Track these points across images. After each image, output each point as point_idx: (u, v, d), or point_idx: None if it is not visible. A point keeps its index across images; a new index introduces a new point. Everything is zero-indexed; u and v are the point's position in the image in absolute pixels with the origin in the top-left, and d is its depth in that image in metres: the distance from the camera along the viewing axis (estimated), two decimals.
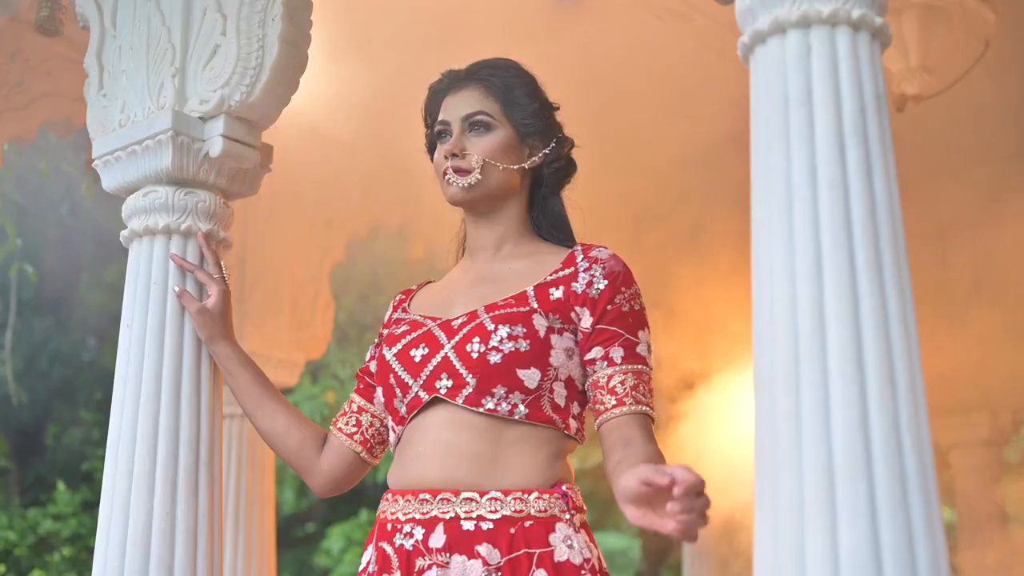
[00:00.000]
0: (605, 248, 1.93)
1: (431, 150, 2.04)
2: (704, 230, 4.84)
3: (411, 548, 1.81)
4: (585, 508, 1.89)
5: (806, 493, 1.35)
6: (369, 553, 1.90)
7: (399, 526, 1.84)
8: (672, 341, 5.07)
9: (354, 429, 2.06)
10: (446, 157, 1.95)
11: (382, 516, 1.89)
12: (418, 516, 1.82)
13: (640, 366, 1.86)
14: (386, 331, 2.03)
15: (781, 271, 1.44)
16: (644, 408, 1.83)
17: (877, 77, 1.51)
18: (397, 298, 2.12)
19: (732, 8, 1.62)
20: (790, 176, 1.46)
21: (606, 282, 1.87)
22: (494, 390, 1.81)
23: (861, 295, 1.40)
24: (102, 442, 9.92)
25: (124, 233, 2.30)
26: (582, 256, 1.91)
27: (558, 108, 2.04)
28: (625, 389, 1.83)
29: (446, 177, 1.95)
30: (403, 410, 1.91)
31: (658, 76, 4.01)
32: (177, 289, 2.19)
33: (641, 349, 1.87)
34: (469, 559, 1.77)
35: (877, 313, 1.40)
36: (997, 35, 3.66)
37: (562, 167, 2.03)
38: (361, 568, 1.91)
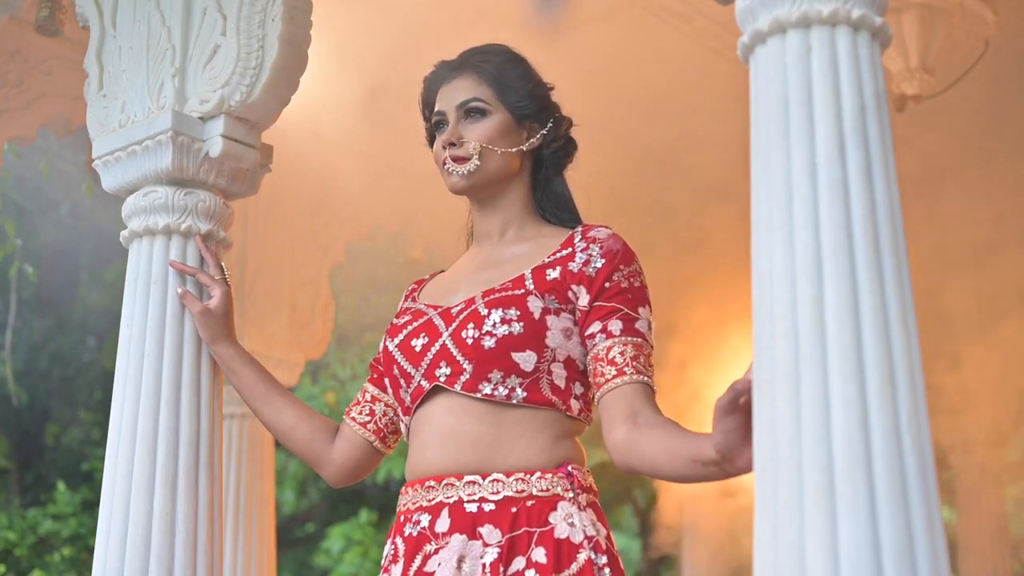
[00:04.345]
0: (606, 228, 1.93)
1: (431, 142, 2.04)
2: (704, 230, 4.84)
3: (417, 535, 1.82)
4: (595, 488, 1.88)
5: (806, 493, 1.35)
6: (387, 548, 1.91)
7: (410, 516, 1.86)
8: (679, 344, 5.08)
9: (367, 418, 2.07)
10: (444, 147, 1.96)
11: (398, 510, 1.91)
12: (425, 503, 1.84)
13: (639, 339, 1.84)
14: (395, 321, 2.03)
15: (781, 271, 1.43)
16: (645, 378, 1.82)
17: (877, 77, 1.51)
18: (409, 288, 2.13)
19: (732, 8, 1.62)
20: (790, 176, 1.46)
21: (603, 260, 1.87)
22: (490, 375, 1.81)
23: (861, 295, 1.40)
24: (102, 442, 9.92)
25: (124, 233, 2.30)
26: (580, 236, 1.91)
27: (552, 88, 2.05)
28: (625, 359, 1.82)
29: (446, 167, 1.96)
30: (408, 400, 1.92)
31: (657, 76, 4.01)
32: (180, 290, 2.19)
33: (640, 325, 1.85)
34: (470, 539, 1.77)
35: (877, 313, 1.40)
36: (997, 35, 3.66)
37: (561, 147, 2.03)
38: (382, 567, 1.92)
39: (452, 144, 1.95)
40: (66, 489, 10.07)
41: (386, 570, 1.87)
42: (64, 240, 9.23)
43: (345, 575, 10.07)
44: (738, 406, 1.51)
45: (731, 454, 1.55)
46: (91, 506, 9.73)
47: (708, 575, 5.86)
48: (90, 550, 9.21)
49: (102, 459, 8.39)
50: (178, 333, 2.19)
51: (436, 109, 2.01)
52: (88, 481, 10.16)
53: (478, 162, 1.93)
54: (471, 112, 1.96)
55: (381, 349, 2.03)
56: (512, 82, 1.97)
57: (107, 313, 9.56)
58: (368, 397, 2.08)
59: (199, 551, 2.11)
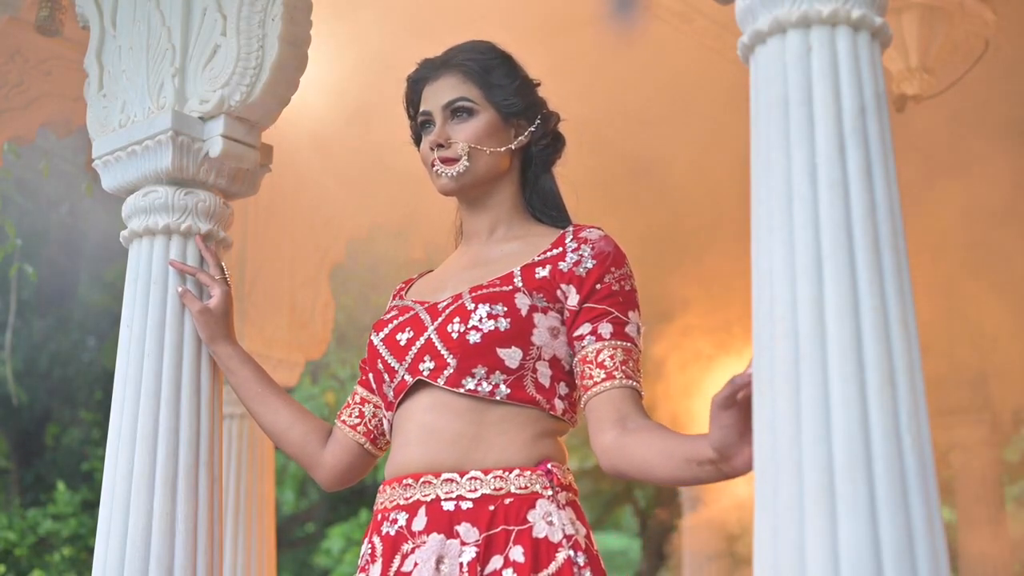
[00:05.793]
0: (597, 229, 1.92)
1: (417, 142, 2.03)
2: (703, 229, 4.84)
3: (395, 534, 1.81)
4: (575, 487, 1.86)
5: (806, 493, 1.35)
6: (364, 547, 1.90)
7: (387, 515, 1.84)
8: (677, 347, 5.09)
9: (357, 420, 2.06)
10: (432, 148, 1.94)
11: (376, 508, 1.90)
12: (402, 502, 1.82)
13: (629, 344, 1.83)
14: (383, 317, 2.03)
15: (781, 271, 1.43)
16: (634, 383, 1.80)
17: (877, 77, 1.51)
18: (397, 287, 2.12)
19: (732, 8, 1.62)
20: (790, 176, 1.46)
21: (594, 262, 1.85)
22: (474, 370, 1.80)
23: (861, 295, 1.40)
24: (102, 442, 9.93)
25: (124, 233, 2.30)
26: (571, 236, 1.90)
27: (539, 84, 2.03)
28: (614, 363, 1.80)
29: (434, 168, 1.94)
30: (391, 395, 1.91)
31: (657, 76, 4.01)
32: (180, 290, 2.19)
33: (630, 329, 1.84)
34: (448, 539, 1.76)
35: (877, 313, 1.40)
36: (997, 35, 3.66)
37: (550, 143, 2.01)
38: (359, 567, 1.91)
39: (440, 145, 1.93)
40: (66, 489, 10.08)
41: (363, 570, 1.85)
42: (64, 240, 9.23)
43: (345, 575, 10.08)
44: (735, 401, 1.51)
45: (729, 452, 1.54)
46: (91, 506, 9.74)
47: (708, 574, 5.86)
48: (90, 550, 9.22)
49: (102, 459, 8.40)
50: (178, 333, 2.19)
51: (422, 109, 1.99)
52: (88, 481, 10.17)
53: (467, 163, 1.92)
54: (458, 112, 1.94)
55: (368, 345, 2.02)
56: (499, 80, 1.95)
57: (107, 313, 9.57)
58: (357, 399, 2.07)
59: (199, 551, 2.11)
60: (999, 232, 4.72)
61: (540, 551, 1.73)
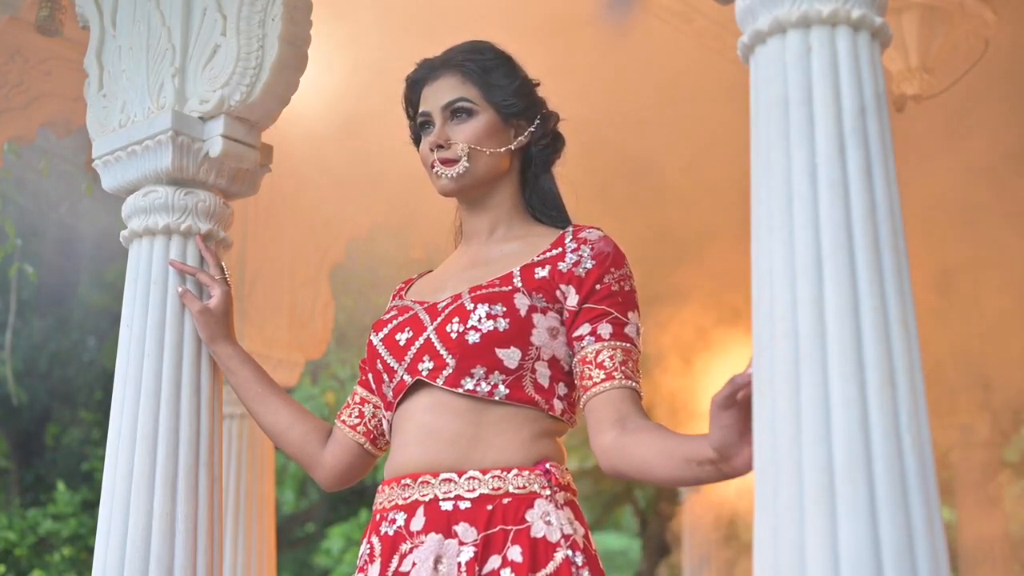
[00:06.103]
0: (597, 229, 1.92)
1: (416, 142, 2.03)
2: (706, 230, 4.84)
3: (393, 534, 1.81)
4: (573, 487, 1.86)
5: (806, 493, 1.35)
6: (363, 547, 1.90)
7: (386, 515, 1.84)
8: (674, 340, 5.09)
9: (357, 420, 2.05)
10: (432, 149, 1.94)
11: (374, 508, 1.90)
12: (400, 502, 1.82)
13: (628, 344, 1.83)
14: (382, 317, 2.03)
15: (781, 271, 1.44)
16: (633, 384, 1.81)
17: (877, 77, 1.51)
18: (397, 287, 2.12)
19: (732, 8, 1.62)
20: (790, 176, 1.46)
21: (594, 262, 1.85)
22: (473, 370, 1.80)
23: (861, 295, 1.40)
24: (102, 442, 9.93)
25: (124, 233, 2.30)
26: (571, 237, 1.90)
27: (538, 84, 2.03)
28: (614, 363, 1.80)
29: (434, 169, 1.94)
30: (390, 395, 1.91)
31: (657, 76, 4.01)
32: (180, 289, 2.20)
33: (630, 330, 1.84)
34: (446, 539, 1.76)
35: (877, 313, 1.40)
36: (997, 35, 3.66)
37: (550, 143, 2.01)
38: (358, 567, 1.91)
39: (440, 146, 1.93)
40: (66, 489, 10.08)
41: (362, 570, 1.85)
42: (64, 240, 9.23)
43: (345, 575, 10.08)
44: (735, 401, 1.51)
45: (728, 452, 1.54)
46: (91, 506, 9.74)
47: (708, 574, 5.86)
48: (90, 550, 9.22)
49: (102, 459, 8.40)
50: (178, 333, 2.19)
51: (421, 110, 1.99)
52: (88, 481, 10.17)
53: (467, 164, 1.92)
54: (457, 112, 1.94)
55: (367, 345, 2.02)
56: (498, 80, 1.95)
57: (107, 313, 9.57)
58: (357, 399, 2.06)
59: (199, 551, 2.11)
60: (1000, 231, 4.71)
61: (538, 551, 1.73)
